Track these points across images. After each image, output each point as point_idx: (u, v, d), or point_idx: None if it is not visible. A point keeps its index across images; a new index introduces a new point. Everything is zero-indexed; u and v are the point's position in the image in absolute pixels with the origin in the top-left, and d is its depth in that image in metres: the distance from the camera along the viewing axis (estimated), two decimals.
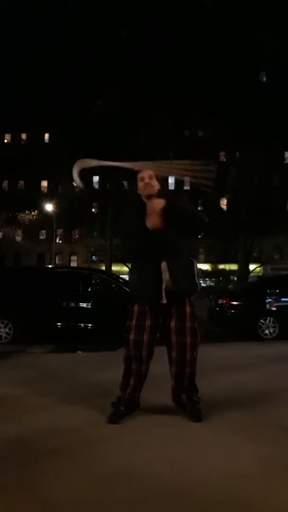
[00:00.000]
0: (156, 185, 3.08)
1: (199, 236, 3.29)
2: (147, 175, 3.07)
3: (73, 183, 3.12)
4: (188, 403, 3.08)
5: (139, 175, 3.10)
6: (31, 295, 8.26)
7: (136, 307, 3.08)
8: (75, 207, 29.91)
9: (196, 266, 3.19)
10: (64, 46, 22.22)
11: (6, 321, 8.02)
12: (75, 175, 3.06)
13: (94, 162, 3.17)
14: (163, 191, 3.13)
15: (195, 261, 3.20)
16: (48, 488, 2.12)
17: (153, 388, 3.31)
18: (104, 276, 9.42)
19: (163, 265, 3.02)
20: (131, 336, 3.04)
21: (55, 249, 37.09)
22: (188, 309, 3.07)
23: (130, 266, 3.35)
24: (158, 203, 2.98)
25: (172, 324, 3.04)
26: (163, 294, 3.01)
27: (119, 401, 3.11)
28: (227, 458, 2.44)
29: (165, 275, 3.01)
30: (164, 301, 3.02)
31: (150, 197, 3.07)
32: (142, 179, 3.08)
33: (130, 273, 3.28)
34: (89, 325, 8.14)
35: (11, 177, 41.04)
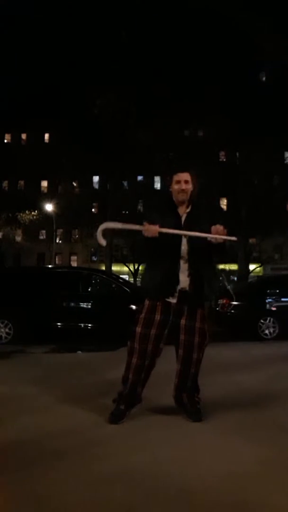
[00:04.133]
0: (189, 189, 3.07)
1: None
2: (183, 179, 3.06)
3: (99, 239, 3.17)
4: (189, 403, 3.07)
5: (176, 178, 3.07)
6: (31, 295, 8.26)
7: (147, 301, 3.05)
8: (75, 207, 29.92)
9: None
10: (64, 46, 22.24)
11: (6, 321, 8.02)
12: (99, 234, 3.16)
13: (118, 225, 3.27)
14: (194, 198, 3.12)
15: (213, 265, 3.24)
16: (48, 488, 2.12)
17: (154, 388, 3.31)
18: (104, 276, 9.42)
19: (183, 265, 3.00)
20: (138, 329, 3.00)
21: (55, 249, 37.05)
22: (199, 310, 3.06)
23: (146, 262, 3.39)
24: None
25: (182, 322, 3.02)
26: (176, 293, 2.99)
27: (120, 397, 3.08)
28: (227, 458, 2.44)
29: (183, 276, 2.99)
30: (175, 301, 3.00)
31: (182, 203, 3.08)
32: (179, 182, 3.06)
33: (146, 267, 3.29)
34: (89, 325, 8.14)
35: (11, 177, 41.00)
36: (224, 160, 31.33)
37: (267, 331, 8.56)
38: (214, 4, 10.26)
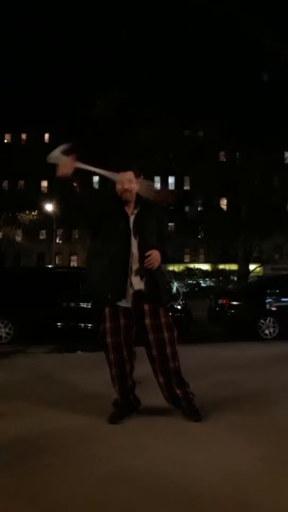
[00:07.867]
0: (134, 188, 3.05)
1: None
2: (126, 179, 3.03)
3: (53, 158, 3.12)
4: (184, 399, 3.02)
5: (118, 179, 3.06)
6: (31, 295, 8.26)
7: (107, 309, 3.04)
8: (75, 207, 29.96)
9: (164, 274, 3.18)
10: (64, 46, 22.23)
11: (6, 321, 8.02)
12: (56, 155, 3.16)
13: (73, 163, 3.12)
14: (141, 196, 3.10)
15: (162, 266, 3.14)
16: (47, 488, 2.12)
17: (153, 388, 3.31)
18: None
19: (134, 268, 2.97)
20: (109, 340, 2.99)
21: (55, 249, 37.08)
22: (160, 308, 3.02)
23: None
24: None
25: (148, 322, 2.97)
26: (130, 297, 2.96)
27: (116, 402, 3.11)
28: (226, 458, 2.44)
29: (135, 278, 2.97)
30: (129, 305, 2.97)
31: (126, 203, 3.06)
32: (121, 182, 3.04)
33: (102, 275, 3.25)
34: (89, 325, 8.14)
35: (11, 177, 41.04)
36: (224, 160, 31.34)
37: (267, 331, 8.56)
38: (214, 4, 10.27)
